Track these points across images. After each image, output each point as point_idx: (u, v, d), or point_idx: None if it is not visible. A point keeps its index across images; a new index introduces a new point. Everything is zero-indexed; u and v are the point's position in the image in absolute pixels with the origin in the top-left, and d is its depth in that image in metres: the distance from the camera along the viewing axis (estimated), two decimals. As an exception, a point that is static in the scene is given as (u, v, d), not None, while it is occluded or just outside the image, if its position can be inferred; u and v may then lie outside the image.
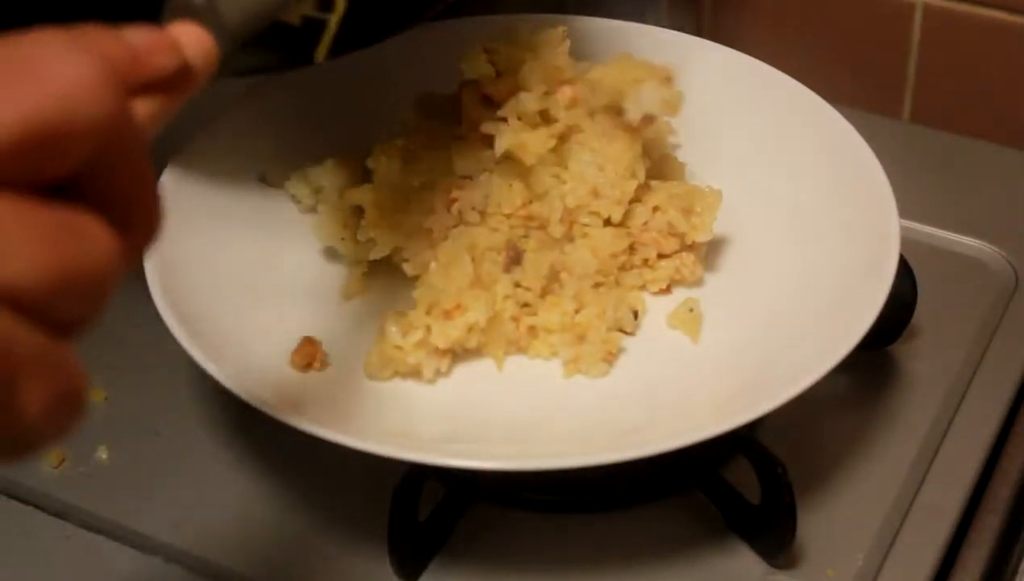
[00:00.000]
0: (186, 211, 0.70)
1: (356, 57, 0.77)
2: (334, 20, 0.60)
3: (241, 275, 0.69)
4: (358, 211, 0.70)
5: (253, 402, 0.60)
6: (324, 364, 0.66)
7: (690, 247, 0.69)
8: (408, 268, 0.68)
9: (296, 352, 0.65)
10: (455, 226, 0.69)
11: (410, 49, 0.78)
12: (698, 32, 0.86)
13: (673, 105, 0.69)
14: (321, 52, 0.62)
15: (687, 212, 0.69)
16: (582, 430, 0.63)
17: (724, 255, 0.71)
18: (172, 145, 0.73)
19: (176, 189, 0.71)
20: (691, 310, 0.68)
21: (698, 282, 0.70)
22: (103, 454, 0.70)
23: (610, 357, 0.66)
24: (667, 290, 0.70)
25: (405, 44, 0.78)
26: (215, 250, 0.70)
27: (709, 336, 0.67)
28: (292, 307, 0.69)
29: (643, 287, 0.69)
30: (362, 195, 0.69)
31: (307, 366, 0.65)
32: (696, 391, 0.64)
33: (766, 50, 0.78)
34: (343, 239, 0.70)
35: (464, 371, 0.66)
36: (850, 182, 0.70)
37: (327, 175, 0.72)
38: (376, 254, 0.69)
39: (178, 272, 0.66)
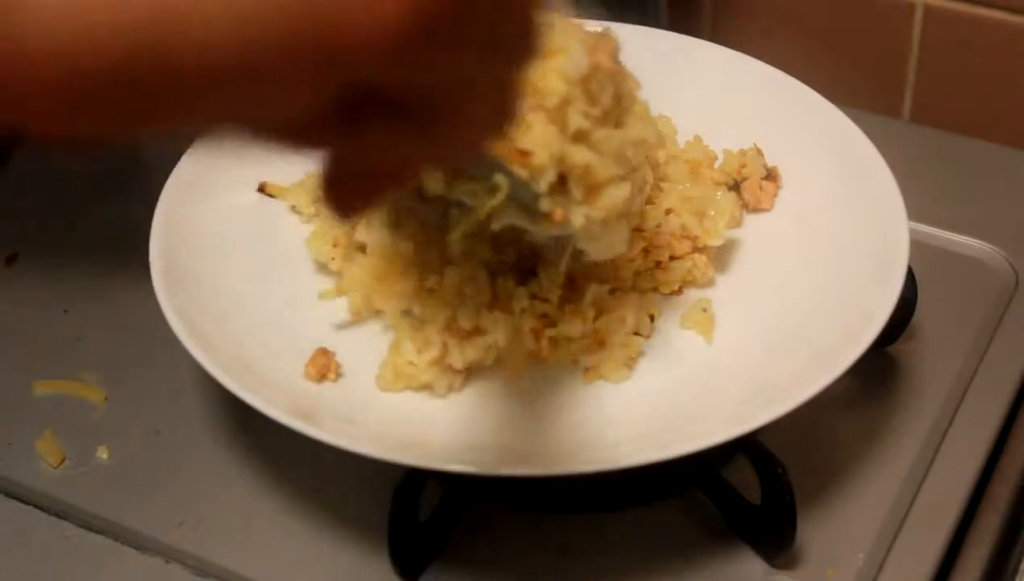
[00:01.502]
0: (191, 223, 0.70)
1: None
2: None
3: (252, 287, 0.69)
4: (351, 230, 0.69)
5: (273, 415, 0.60)
6: (338, 375, 0.66)
7: (702, 249, 0.69)
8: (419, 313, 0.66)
9: (310, 363, 0.65)
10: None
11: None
12: (698, 32, 0.85)
13: None
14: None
15: (700, 215, 0.69)
16: (598, 435, 0.63)
17: (733, 255, 0.71)
18: (169, 162, 0.73)
19: (180, 200, 0.71)
20: (704, 310, 0.68)
21: (710, 283, 0.70)
22: (103, 454, 0.70)
23: (631, 362, 0.66)
24: (678, 291, 0.70)
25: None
26: (224, 264, 0.70)
27: (721, 336, 0.67)
28: (305, 318, 0.68)
29: (655, 289, 0.69)
30: (360, 271, 0.67)
31: (322, 377, 0.65)
32: (711, 393, 0.64)
33: (766, 50, 0.78)
34: (332, 258, 0.70)
35: (480, 378, 0.66)
36: (857, 186, 0.70)
37: None
38: (390, 320, 0.67)
39: (188, 287, 0.67)
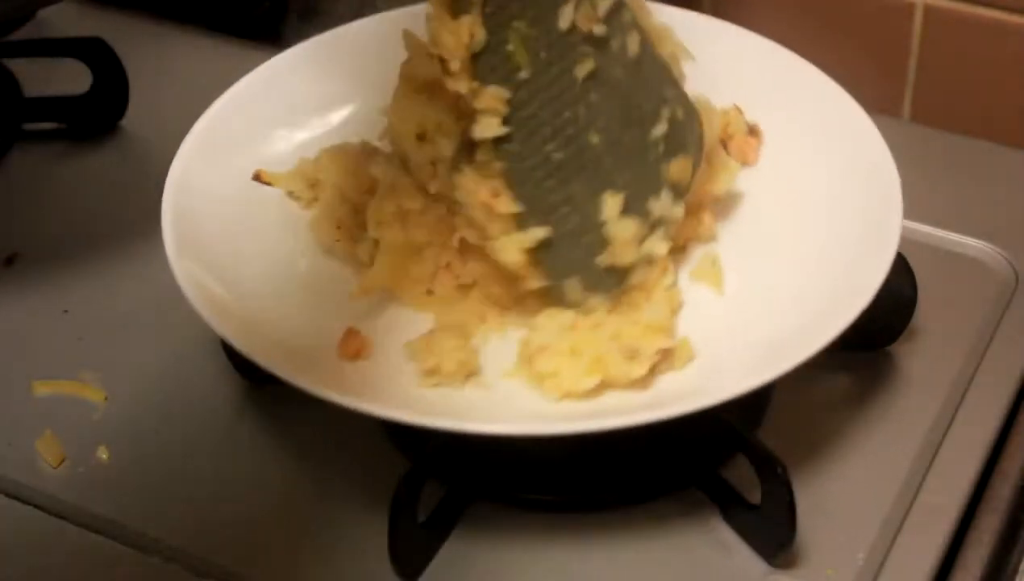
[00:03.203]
0: (199, 214, 0.70)
1: (334, 58, 0.77)
2: None
3: (271, 273, 0.69)
4: (353, 211, 0.70)
5: (332, 398, 0.60)
6: (370, 352, 0.66)
7: (706, 205, 0.71)
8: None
9: (342, 344, 0.65)
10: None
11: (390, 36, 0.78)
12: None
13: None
14: None
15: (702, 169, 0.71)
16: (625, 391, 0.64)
17: (731, 211, 0.73)
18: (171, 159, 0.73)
19: (184, 189, 0.71)
20: (713, 263, 0.69)
21: (713, 238, 0.71)
22: (103, 454, 0.70)
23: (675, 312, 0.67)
24: (682, 248, 0.71)
25: (383, 33, 0.78)
26: (238, 254, 0.70)
27: (730, 288, 0.69)
28: (327, 299, 0.69)
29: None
30: (378, 269, 0.69)
31: (355, 356, 0.65)
32: (726, 344, 0.66)
33: (766, 50, 0.78)
34: (338, 241, 0.70)
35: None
36: (842, 138, 0.72)
37: (322, 169, 0.72)
38: (415, 305, 0.69)
39: (211, 282, 0.66)
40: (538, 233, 0.65)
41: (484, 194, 0.64)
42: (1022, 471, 0.68)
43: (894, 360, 0.72)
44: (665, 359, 0.64)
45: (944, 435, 0.69)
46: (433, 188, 0.68)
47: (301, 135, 0.76)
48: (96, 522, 0.67)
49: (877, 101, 0.90)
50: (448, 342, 0.65)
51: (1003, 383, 0.71)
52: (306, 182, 0.73)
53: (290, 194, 0.73)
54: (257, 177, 0.74)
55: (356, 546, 0.65)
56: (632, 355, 0.64)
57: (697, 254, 0.71)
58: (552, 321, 0.66)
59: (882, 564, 0.63)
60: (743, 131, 0.75)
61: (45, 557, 0.66)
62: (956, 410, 0.70)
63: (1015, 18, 0.87)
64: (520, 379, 0.65)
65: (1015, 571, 0.65)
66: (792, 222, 0.71)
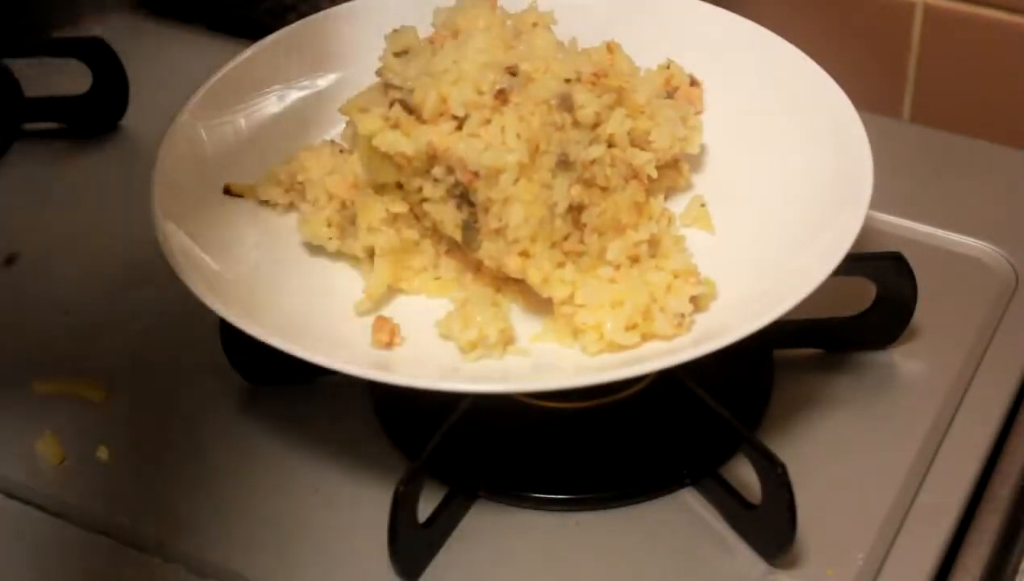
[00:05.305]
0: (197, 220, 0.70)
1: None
2: None
3: (278, 275, 0.69)
4: (341, 207, 0.69)
5: (386, 379, 0.61)
6: (402, 339, 0.66)
7: (681, 158, 0.72)
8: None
9: (376, 331, 0.65)
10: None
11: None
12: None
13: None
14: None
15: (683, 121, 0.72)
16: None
17: (703, 168, 0.74)
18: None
19: (170, 200, 0.70)
20: (702, 205, 0.71)
21: (689, 188, 0.73)
22: (103, 454, 0.70)
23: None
24: (664, 198, 0.72)
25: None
26: (239, 260, 0.69)
27: (720, 228, 0.70)
28: (338, 292, 0.69)
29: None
30: (379, 274, 0.68)
31: (389, 343, 0.65)
32: (735, 279, 0.66)
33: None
34: (330, 238, 0.70)
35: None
36: (787, 80, 0.75)
37: (302, 169, 0.71)
38: (427, 293, 0.69)
39: (235, 294, 0.66)
40: None
41: (514, 264, 0.65)
42: (1022, 471, 0.68)
43: (894, 360, 0.72)
44: (693, 302, 0.65)
45: (944, 435, 0.69)
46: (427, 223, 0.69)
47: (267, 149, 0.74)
48: (96, 522, 0.67)
49: (877, 101, 0.90)
50: (482, 313, 0.65)
51: (1003, 383, 0.71)
52: (281, 188, 0.72)
53: (264, 203, 0.72)
54: (227, 190, 0.72)
55: (356, 546, 0.65)
56: (669, 307, 0.64)
57: (681, 203, 0.72)
58: (588, 277, 0.66)
59: (882, 564, 0.63)
60: (686, 83, 0.77)
61: (45, 557, 0.66)
62: (956, 410, 0.70)
63: (1015, 18, 0.87)
64: (550, 341, 0.65)
65: (1015, 571, 0.65)
66: (760, 165, 0.72)
